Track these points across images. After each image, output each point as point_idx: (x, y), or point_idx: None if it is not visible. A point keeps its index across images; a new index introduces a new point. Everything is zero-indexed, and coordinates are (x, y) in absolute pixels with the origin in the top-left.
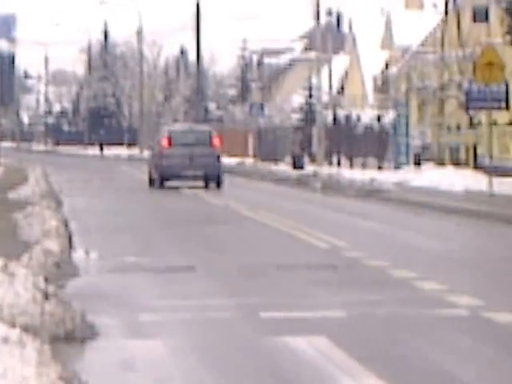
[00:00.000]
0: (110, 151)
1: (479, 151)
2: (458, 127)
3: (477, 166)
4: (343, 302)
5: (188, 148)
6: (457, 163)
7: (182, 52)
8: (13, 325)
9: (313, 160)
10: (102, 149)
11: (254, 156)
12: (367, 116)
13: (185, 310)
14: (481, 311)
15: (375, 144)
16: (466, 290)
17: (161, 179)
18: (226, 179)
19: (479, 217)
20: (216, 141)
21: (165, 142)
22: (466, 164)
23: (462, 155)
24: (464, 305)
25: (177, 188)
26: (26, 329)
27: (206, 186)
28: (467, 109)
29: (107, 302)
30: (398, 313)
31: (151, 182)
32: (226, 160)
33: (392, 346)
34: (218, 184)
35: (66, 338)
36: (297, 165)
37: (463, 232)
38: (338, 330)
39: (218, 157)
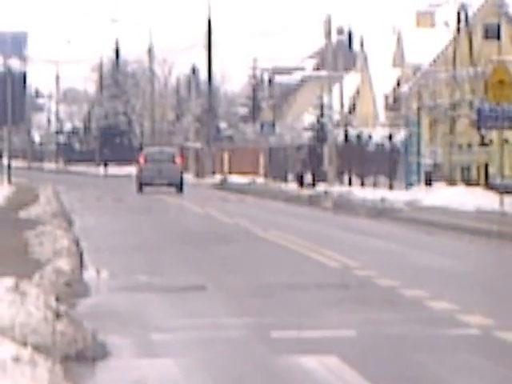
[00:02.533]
0: (120, 170)
1: (490, 170)
2: (470, 146)
3: (488, 185)
4: (354, 322)
5: (158, 164)
6: (468, 182)
7: (194, 70)
8: (24, 344)
9: (323, 179)
10: (106, 167)
11: (265, 175)
12: (378, 135)
13: (196, 329)
14: (492, 330)
15: (386, 163)
16: (478, 309)
17: (140, 185)
18: (236, 197)
19: (490, 236)
20: (178, 159)
21: (142, 160)
22: (478, 183)
23: (474, 174)
24: (475, 324)
25: (188, 208)
26: (37, 348)
27: (180, 190)
28: (479, 127)
29: (118, 321)
30: (409, 332)
31: (136, 187)
32: (236, 179)
33: (403, 365)
34: (181, 189)
35: (78, 357)
36: (302, 183)
37: (474, 251)
38: (348, 350)
39: (179, 170)
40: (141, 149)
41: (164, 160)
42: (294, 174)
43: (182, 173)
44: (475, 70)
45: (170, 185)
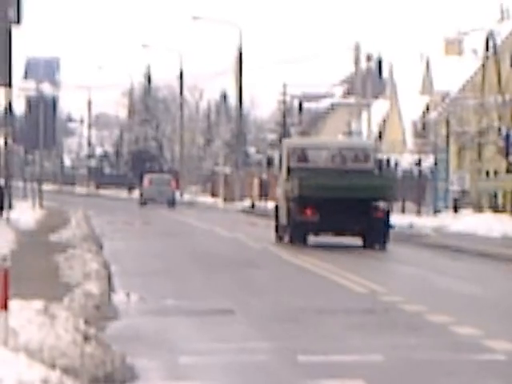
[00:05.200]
0: None
1: None
2: (497, 173)
3: None
4: (381, 346)
5: (158, 185)
6: (495, 209)
7: (224, 96)
8: (53, 367)
9: None
10: (130, 190)
11: None
12: (406, 161)
13: (223, 353)
14: None
15: (414, 189)
16: (503, 335)
17: (143, 201)
18: (264, 222)
19: None
20: (172, 183)
21: (146, 183)
22: (504, 210)
23: (501, 201)
24: (501, 350)
25: (216, 232)
26: (66, 371)
27: (170, 206)
28: (506, 154)
29: (147, 344)
30: (435, 357)
31: (140, 202)
32: (264, 204)
33: None
34: (173, 204)
35: (106, 380)
36: None
37: (500, 277)
38: (374, 374)
39: (173, 191)
40: (171, 173)
41: (162, 183)
42: None
43: (174, 193)
44: (503, 97)
45: (167, 203)
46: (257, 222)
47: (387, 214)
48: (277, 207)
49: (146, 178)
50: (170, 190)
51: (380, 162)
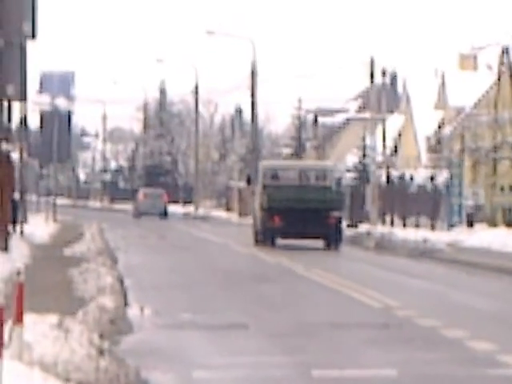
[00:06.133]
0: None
1: None
2: (511, 188)
3: None
4: (395, 361)
5: (152, 199)
6: (509, 224)
7: (239, 111)
8: (68, 381)
9: (366, 219)
10: None
11: None
12: (420, 176)
13: (238, 368)
14: None
15: (428, 204)
16: None
17: (138, 213)
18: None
19: None
20: (164, 197)
21: (141, 197)
22: None
23: None
24: None
25: (231, 246)
26: None
27: (163, 217)
28: None
29: (161, 358)
30: (450, 372)
31: (135, 215)
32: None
33: None
34: (165, 215)
35: None
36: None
37: None
38: None
39: (165, 204)
40: (185, 188)
41: (155, 197)
42: None
43: (166, 206)
44: None
45: (159, 215)
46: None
47: (339, 221)
48: (254, 216)
49: (141, 193)
50: (162, 203)
51: (338, 179)
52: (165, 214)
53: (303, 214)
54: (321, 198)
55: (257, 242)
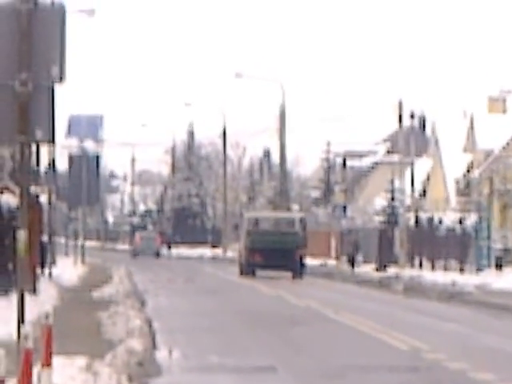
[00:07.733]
0: (192, 251)
1: None
2: None
3: None
4: None
5: (147, 241)
6: None
7: (267, 153)
8: None
9: (394, 262)
10: (169, 248)
11: (337, 257)
12: (449, 219)
13: None
14: None
15: (457, 247)
16: None
17: (136, 254)
18: (307, 279)
19: None
20: (158, 239)
21: (137, 239)
22: None
23: None
24: None
25: (258, 289)
26: None
27: (156, 256)
28: None
29: None
30: None
31: (132, 255)
32: (307, 261)
33: None
34: (157, 255)
35: None
36: (353, 264)
37: None
38: None
39: (159, 246)
40: (213, 230)
41: (149, 239)
42: (345, 255)
43: (159, 247)
44: None
45: (154, 254)
46: (298, 279)
47: (302, 257)
48: (240, 254)
49: (137, 235)
50: (155, 244)
51: (304, 226)
52: (157, 254)
53: (276, 252)
54: (289, 240)
55: (241, 273)
